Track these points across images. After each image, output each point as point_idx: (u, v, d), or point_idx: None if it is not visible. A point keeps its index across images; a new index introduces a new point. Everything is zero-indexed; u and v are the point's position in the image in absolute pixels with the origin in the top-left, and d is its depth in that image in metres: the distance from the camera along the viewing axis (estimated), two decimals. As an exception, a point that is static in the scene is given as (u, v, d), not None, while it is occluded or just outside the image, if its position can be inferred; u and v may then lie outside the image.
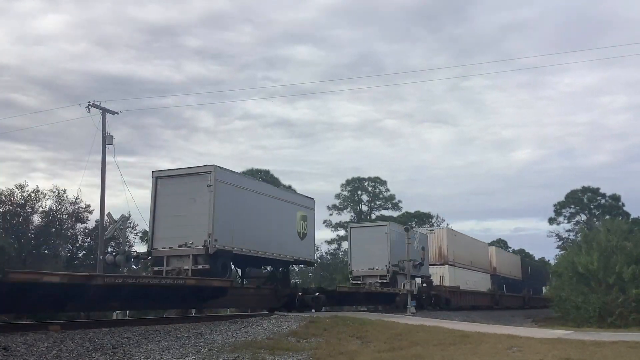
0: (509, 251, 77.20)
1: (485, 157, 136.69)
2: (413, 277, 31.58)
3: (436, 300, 33.31)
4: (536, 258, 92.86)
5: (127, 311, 24.16)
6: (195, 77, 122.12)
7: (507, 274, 56.89)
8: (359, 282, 29.66)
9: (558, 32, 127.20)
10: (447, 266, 39.30)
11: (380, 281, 29.07)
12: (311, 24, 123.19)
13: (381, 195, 66.51)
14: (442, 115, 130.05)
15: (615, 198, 62.89)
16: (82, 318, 20.20)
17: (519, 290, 58.25)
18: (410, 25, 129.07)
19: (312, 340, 13.27)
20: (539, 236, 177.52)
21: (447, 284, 37.55)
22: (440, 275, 37.97)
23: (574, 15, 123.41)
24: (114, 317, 22.61)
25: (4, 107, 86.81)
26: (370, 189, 67.42)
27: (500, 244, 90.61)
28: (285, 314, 18.89)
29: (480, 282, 45.76)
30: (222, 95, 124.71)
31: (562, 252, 50.54)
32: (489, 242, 67.57)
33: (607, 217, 51.33)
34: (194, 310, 22.19)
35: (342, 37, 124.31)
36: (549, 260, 79.47)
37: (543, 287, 67.03)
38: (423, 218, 68.95)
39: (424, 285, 32.89)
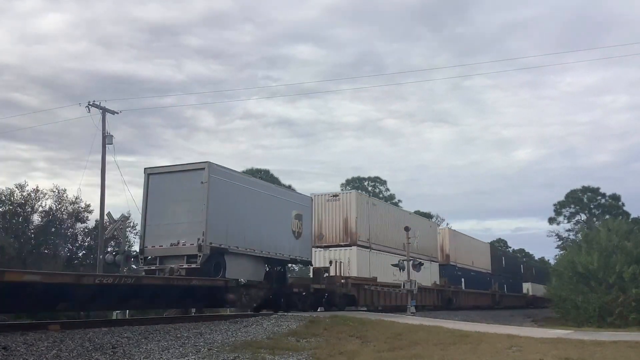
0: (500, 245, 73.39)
1: (486, 156, 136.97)
2: (303, 262, 22.72)
3: (330, 297, 23.35)
4: (536, 258, 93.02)
5: (127, 311, 23.92)
6: (196, 76, 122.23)
7: (469, 265, 45.18)
8: (154, 267, 17.64)
9: (559, 31, 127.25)
10: (355, 248, 27.52)
11: (187, 265, 16.94)
12: (312, 23, 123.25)
13: (381, 195, 66.39)
14: (443, 114, 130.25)
15: (615, 198, 62.95)
16: (82, 317, 20.15)
17: (487, 285, 49.00)
18: (411, 25, 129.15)
19: (312, 340, 13.27)
20: (539, 236, 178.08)
21: (354, 273, 26.46)
22: (340, 261, 25.71)
23: (576, 15, 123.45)
24: (114, 317, 22.55)
25: (4, 107, 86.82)
26: (370, 188, 67.39)
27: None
28: (285, 313, 18.80)
29: (421, 274, 33.46)
30: (223, 94, 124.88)
31: (562, 252, 50.45)
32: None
33: (607, 217, 51.29)
34: (193, 310, 21.99)
35: (343, 36, 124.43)
36: (548, 260, 79.40)
37: (523, 284, 61.94)
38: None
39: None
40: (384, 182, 68.48)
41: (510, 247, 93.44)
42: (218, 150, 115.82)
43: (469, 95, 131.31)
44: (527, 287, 62.45)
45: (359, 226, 28.03)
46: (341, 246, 27.64)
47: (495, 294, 49.42)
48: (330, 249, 27.70)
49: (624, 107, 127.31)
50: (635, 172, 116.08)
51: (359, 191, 29.95)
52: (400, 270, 29.22)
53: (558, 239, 63.44)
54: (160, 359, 10.03)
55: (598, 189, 64.01)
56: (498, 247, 73.96)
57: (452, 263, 41.63)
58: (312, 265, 24.21)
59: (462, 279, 43.15)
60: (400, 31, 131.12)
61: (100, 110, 33.63)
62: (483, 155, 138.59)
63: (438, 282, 37.01)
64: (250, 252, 19.14)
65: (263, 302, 20.57)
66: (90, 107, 33.35)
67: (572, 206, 64.57)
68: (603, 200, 63.42)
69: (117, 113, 34.43)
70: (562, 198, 65.09)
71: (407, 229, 29.91)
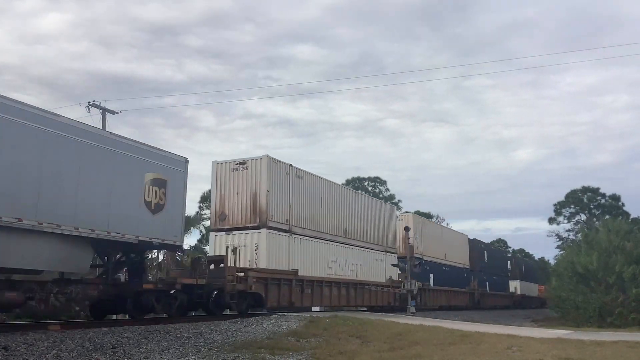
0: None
1: (486, 156, 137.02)
2: (166, 247, 16.72)
3: (218, 296, 18.31)
4: (536, 258, 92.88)
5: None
6: (196, 76, 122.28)
7: (440, 258, 39.60)
8: None
9: (560, 31, 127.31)
10: (265, 231, 21.16)
11: None
12: (313, 23, 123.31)
13: (381, 195, 66.29)
14: (444, 114, 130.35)
15: (615, 198, 62.90)
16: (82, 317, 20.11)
17: (464, 283, 43.69)
18: (412, 24, 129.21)
19: (312, 340, 13.27)
20: (539, 236, 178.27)
21: (263, 264, 20.59)
22: (237, 247, 19.93)
23: (576, 15, 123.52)
24: (114, 317, 22.48)
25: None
26: (370, 188, 67.33)
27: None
28: (285, 313, 18.82)
29: (374, 268, 28.51)
30: (224, 94, 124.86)
31: (562, 252, 50.41)
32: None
33: (607, 217, 51.25)
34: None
35: (343, 36, 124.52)
36: (548, 260, 79.31)
37: (510, 282, 57.56)
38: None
39: (206, 267, 18.17)
40: (384, 182, 68.36)
41: (510, 247, 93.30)
42: (218, 150, 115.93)
43: (469, 95, 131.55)
44: (514, 286, 58.33)
45: (272, 203, 21.54)
46: (248, 229, 21.41)
47: (474, 292, 44.32)
48: (234, 232, 21.58)
49: (624, 107, 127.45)
50: (635, 172, 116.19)
51: (271, 157, 21.99)
52: (400, 270, 28.97)
53: (558, 239, 63.30)
54: (160, 359, 10.03)
55: (598, 189, 63.99)
56: (480, 241, 71.66)
57: (417, 255, 34.89)
58: (181, 251, 19.26)
59: (431, 275, 37.13)
60: (400, 31, 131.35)
61: (100, 110, 33.65)
62: (483, 155, 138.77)
63: (395, 278, 30.62)
64: (53, 228, 12.51)
65: (99, 304, 15.51)
66: (90, 107, 33.38)
67: (572, 206, 64.51)
68: (603, 201, 63.37)
69: (117, 113, 34.46)
70: (562, 198, 65.04)
71: (407, 229, 29.80)
